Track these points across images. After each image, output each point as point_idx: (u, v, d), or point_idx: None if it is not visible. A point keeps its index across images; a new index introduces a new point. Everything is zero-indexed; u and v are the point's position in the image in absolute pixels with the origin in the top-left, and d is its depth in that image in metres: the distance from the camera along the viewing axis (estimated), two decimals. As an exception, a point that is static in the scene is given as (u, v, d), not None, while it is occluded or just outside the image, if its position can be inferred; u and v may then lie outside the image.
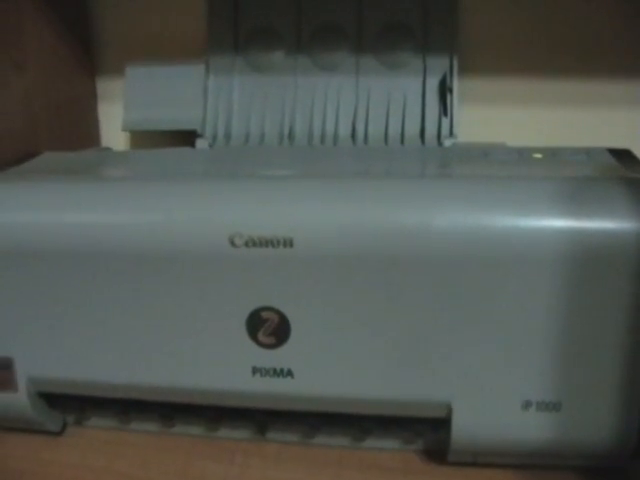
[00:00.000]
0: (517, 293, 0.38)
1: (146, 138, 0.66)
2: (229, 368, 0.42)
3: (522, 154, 0.47)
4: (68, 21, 0.64)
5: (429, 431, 0.44)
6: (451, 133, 0.56)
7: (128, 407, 0.48)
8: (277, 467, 0.44)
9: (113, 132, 0.67)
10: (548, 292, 0.38)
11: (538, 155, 0.47)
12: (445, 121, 0.56)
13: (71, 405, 0.48)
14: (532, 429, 0.40)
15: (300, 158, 0.51)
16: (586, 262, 0.37)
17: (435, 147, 0.55)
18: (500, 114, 0.63)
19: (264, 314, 0.40)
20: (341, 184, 0.41)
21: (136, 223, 0.41)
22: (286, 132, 0.58)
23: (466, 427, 0.41)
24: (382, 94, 0.58)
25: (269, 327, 0.40)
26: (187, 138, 0.60)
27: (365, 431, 0.45)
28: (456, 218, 0.38)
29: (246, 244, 0.39)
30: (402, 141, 0.56)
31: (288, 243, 0.38)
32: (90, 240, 0.41)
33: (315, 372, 0.41)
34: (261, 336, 0.41)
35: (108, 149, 0.63)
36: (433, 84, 0.57)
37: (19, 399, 0.45)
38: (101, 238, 0.41)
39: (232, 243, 0.39)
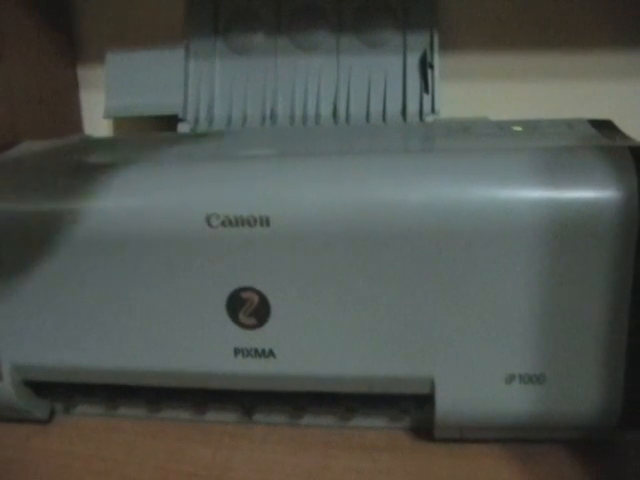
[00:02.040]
0: (498, 266, 0.38)
1: (129, 125, 0.66)
2: (211, 350, 0.42)
3: (502, 127, 0.47)
4: (48, 9, 0.64)
5: (415, 408, 0.44)
6: (433, 110, 0.55)
7: (115, 394, 0.47)
8: (265, 449, 0.44)
9: (96, 120, 0.67)
10: (529, 264, 0.38)
11: (518, 128, 0.46)
12: (427, 98, 0.56)
13: (58, 393, 0.48)
14: (516, 402, 0.40)
15: (280, 138, 0.51)
16: (567, 233, 0.37)
17: (416, 123, 0.55)
18: (482, 89, 0.62)
19: (244, 295, 0.40)
20: (318, 161, 0.40)
21: (111, 206, 0.40)
22: (268, 113, 0.58)
23: (450, 402, 0.41)
24: (363, 73, 0.57)
25: (249, 308, 0.40)
26: (169, 123, 0.59)
27: (351, 410, 0.45)
28: (434, 192, 0.38)
29: (223, 224, 0.38)
30: (384, 119, 0.56)
31: (265, 222, 0.38)
32: (67, 224, 0.41)
33: (297, 351, 0.41)
34: (242, 317, 0.40)
35: (88, 136, 0.63)
36: (414, 61, 0.57)
37: (4, 388, 0.45)
38: (77, 222, 0.41)
39: (209, 223, 0.39)
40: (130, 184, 0.41)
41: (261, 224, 0.38)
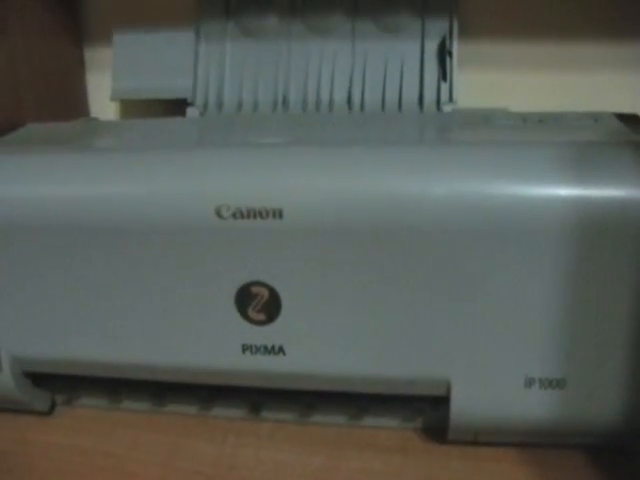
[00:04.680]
0: (520, 265, 0.36)
1: (136, 108, 0.65)
2: (218, 346, 0.40)
3: (525, 119, 0.45)
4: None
5: (428, 409, 0.43)
6: (451, 99, 0.54)
7: (119, 386, 0.46)
8: (271, 447, 0.43)
9: (102, 102, 0.65)
10: (552, 264, 0.36)
11: (542, 120, 0.44)
12: (444, 86, 0.54)
13: (60, 384, 0.47)
14: (535, 407, 0.39)
15: (293, 125, 0.49)
16: (593, 233, 0.35)
17: (434, 113, 0.53)
18: (502, 79, 0.60)
19: (253, 289, 0.38)
20: (333, 151, 0.39)
21: (119, 194, 0.39)
22: (280, 99, 0.56)
23: (466, 405, 0.39)
24: (379, 59, 0.56)
25: (259, 303, 0.39)
26: (178, 107, 0.58)
27: (362, 409, 0.44)
28: (455, 186, 0.36)
29: (234, 215, 0.37)
30: (400, 107, 0.54)
31: (277, 214, 0.37)
32: (73, 213, 0.39)
33: (307, 349, 0.40)
34: (251, 312, 0.39)
35: (95, 119, 0.61)
36: (432, 48, 0.55)
37: (4, 379, 0.44)
38: (84, 211, 0.39)
39: (219, 215, 0.37)
40: (136, 171, 0.40)
41: (274, 216, 0.37)
